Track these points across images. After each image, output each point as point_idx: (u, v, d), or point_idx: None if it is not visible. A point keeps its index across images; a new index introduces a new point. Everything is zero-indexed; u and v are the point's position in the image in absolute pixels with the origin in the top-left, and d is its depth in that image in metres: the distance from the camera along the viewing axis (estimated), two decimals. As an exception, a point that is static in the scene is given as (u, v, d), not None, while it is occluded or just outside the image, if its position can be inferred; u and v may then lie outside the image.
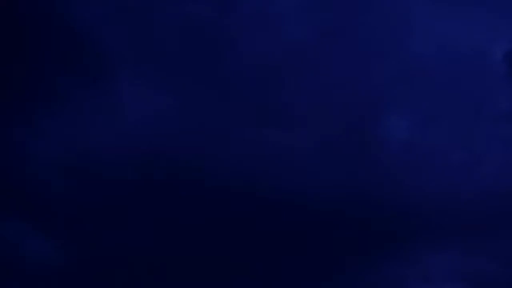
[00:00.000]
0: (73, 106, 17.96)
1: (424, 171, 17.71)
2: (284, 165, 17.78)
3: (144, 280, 17.39)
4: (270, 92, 18.12)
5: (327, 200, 17.44)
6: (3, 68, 17.78)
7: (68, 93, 17.93)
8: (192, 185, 17.75)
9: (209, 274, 17.35)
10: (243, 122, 18.01)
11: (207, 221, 17.63)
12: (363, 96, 18.09)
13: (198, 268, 17.37)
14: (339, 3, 18.53)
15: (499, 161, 17.73)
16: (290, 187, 17.64)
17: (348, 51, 18.32)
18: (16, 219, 17.49)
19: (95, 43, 17.95)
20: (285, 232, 17.50)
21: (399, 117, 18.02)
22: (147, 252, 17.50)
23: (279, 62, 18.17)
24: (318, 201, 17.46)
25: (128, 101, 18.07)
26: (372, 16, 18.33)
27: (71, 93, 17.93)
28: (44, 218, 17.59)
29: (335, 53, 18.33)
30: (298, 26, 18.39)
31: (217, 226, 17.61)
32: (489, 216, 17.38)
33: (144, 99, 18.12)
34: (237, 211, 17.56)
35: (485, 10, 18.49)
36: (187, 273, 17.34)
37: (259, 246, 17.44)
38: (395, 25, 18.34)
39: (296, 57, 18.30)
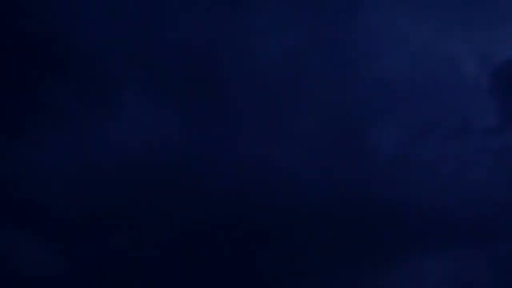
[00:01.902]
0: (77, 121, 18.57)
1: (415, 182, 18.36)
2: (279, 175, 18.38)
3: (143, 286, 17.80)
4: (266, 109, 18.84)
5: (323, 208, 18.04)
6: (11, 84, 18.42)
7: (74, 109, 18.57)
8: (191, 196, 18.31)
9: (207, 280, 17.83)
10: (241, 135, 18.67)
11: (205, 228, 18.17)
12: (349, 111, 18.85)
13: (197, 273, 17.85)
14: (319, 24, 19.45)
15: (486, 173, 18.43)
16: (285, 197, 18.27)
17: (328, 67, 19.18)
18: (18, 227, 17.96)
19: (101, 62, 18.62)
20: (281, 238, 18.05)
21: (389, 131, 18.77)
22: (146, 258, 18.01)
23: (273, 81, 18.98)
24: (315, 211, 18.07)
25: (131, 118, 18.69)
26: (348, 32, 19.21)
27: (77, 109, 18.57)
28: (45, 226, 18.06)
29: (316, 72, 19.23)
30: (287, 48, 19.26)
31: (215, 234, 18.16)
32: (478, 224, 18.02)
33: (146, 116, 18.75)
34: (233, 218, 18.14)
35: (461, 21, 19.36)
36: (186, 278, 17.79)
37: (255, 249, 18.03)
38: (370, 39, 19.18)
39: (286, 76, 19.10)
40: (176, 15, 18.91)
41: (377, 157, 18.52)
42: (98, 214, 18.16)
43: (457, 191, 18.26)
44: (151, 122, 18.71)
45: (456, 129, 18.86)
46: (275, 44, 19.12)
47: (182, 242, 18.14)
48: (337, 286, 17.72)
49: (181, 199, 18.33)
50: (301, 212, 18.18)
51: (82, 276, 17.81)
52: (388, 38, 19.22)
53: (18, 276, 17.53)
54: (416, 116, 18.91)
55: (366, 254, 17.95)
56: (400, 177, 18.34)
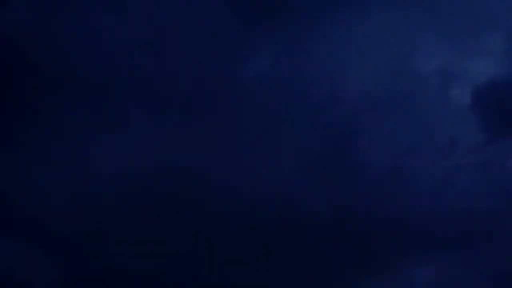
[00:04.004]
0: (82, 137, 19.33)
1: (405, 193, 19.20)
2: (274, 189, 19.20)
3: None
4: (263, 128, 19.70)
5: (316, 220, 18.85)
6: (19, 104, 19.12)
7: (79, 126, 19.35)
8: (189, 211, 19.07)
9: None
10: (239, 154, 19.50)
11: (203, 242, 18.94)
12: (336, 129, 19.69)
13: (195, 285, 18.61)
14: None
15: (470, 186, 19.38)
16: (281, 209, 19.08)
17: (315, 88, 20.01)
18: (20, 239, 18.63)
19: (107, 84, 19.40)
20: (277, 249, 18.87)
21: (375, 148, 19.54)
22: (143, 271, 18.70)
23: (268, 102, 19.88)
24: (308, 222, 18.90)
25: (134, 137, 19.46)
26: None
27: (81, 126, 19.34)
28: (47, 239, 18.72)
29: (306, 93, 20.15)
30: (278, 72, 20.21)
31: (210, 249, 18.92)
32: (463, 232, 18.97)
33: (149, 136, 19.52)
34: (229, 232, 18.90)
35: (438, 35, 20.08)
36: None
37: (252, 262, 18.76)
38: (351, 56, 19.95)
39: (279, 98, 19.99)
40: (183, 40, 19.82)
41: (367, 171, 19.31)
42: (96, 227, 18.84)
43: (445, 202, 19.16)
44: (154, 141, 19.45)
45: (441, 146, 19.71)
46: (269, 68, 20.12)
47: (181, 254, 18.85)
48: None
49: (181, 213, 18.99)
50: (295, 224, 18.93)
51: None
52: (368, 54, 19.95)
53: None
54: (402, 133, 19.73)
55: (359, 262, 18.72)
56: (390, 189, 19.14)
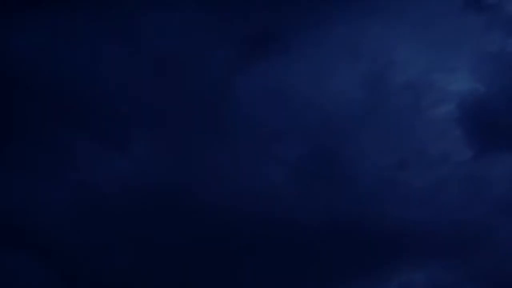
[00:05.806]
0: (83, 158, 19.86)
1: (399, 202, 19.74)
2: (268, 197, 19.76)
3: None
4: (259, 139, 20.28)
5: (308, 226, 19.36)
6: (21, 120, 19.79)
7: (81, 148, 19.90)
8: (188, 226, 19.58)
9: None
10: (235, 169, 20.07)
11: (202, 253, 19.40)
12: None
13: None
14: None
15: (461, 195, 19.90)
16: (275, 216, 19.57)
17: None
18: (18, 252, 19.10)
19: (109, 102, 19.98)
20: (269, 259, 19.37)
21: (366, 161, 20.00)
22: (145, 283, 19.14)
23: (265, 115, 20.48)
24: (299, 229, 19.38)
25: (135, 155, 19.94)
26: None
27: (83, 148, 19.90)
28: (45, 251, 19.19)
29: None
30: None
31: (211, 257, 19.35)
32: (454, 240, 19.51)
33: (149, 155, 19.98)
34: (225, 241, 19.46)
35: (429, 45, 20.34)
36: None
37: (244, 272, 19.26)
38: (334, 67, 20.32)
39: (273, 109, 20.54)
40: (182, 64, 20.36)
41: (359, 181, 19.82)
42: (96, 244, 19.33)
43: (437, 212, 19.71)
44: (155, 160, 19.95)
45: (431, 161, 20.12)
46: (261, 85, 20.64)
47: (182, 271, 19.34)
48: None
49: (180, 229, 19.54)
50: (287, 233, 19.41)
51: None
52: (356, 65, 20.26)
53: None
54: (391, 147, 20.12)
55: (350, 269, 19.21)
56: (383, 199, 19.69)
